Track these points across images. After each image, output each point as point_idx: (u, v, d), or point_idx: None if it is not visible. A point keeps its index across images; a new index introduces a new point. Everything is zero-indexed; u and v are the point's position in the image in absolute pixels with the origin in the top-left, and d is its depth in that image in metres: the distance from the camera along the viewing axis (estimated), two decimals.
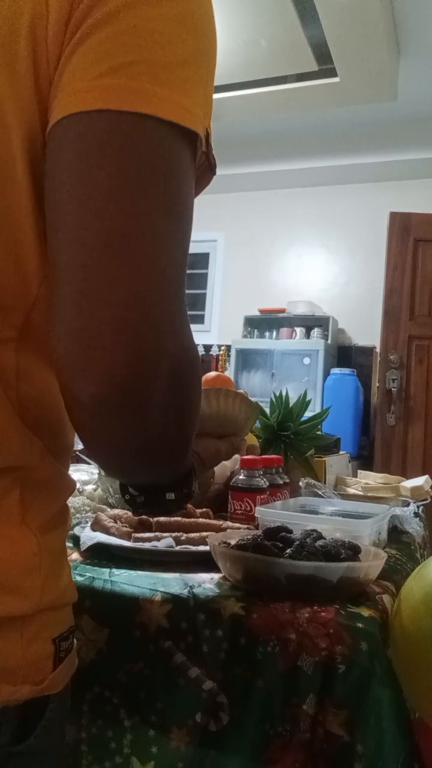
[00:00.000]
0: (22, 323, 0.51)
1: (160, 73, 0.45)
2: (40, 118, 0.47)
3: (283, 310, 4.53)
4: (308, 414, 1.45)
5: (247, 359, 4.43)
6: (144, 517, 0.98)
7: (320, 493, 1.21)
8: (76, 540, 0.95)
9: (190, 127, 0.47)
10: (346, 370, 4.20)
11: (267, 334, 4.54)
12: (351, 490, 1.44)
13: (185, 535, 0.93)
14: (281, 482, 1.15)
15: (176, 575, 0.81)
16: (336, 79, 3.46)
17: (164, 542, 0.90)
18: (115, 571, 0.82)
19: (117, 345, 0.44)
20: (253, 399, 1.52)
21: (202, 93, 0.49)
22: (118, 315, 0.43)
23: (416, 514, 1.22)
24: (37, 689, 0.51)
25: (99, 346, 0.44)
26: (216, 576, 0.82)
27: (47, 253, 0.48)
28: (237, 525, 0.98)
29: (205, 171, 0.54)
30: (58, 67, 0.46)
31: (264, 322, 4.58)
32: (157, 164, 0.45)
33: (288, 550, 0.78)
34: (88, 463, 1.37)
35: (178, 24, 0.47)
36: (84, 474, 1.33)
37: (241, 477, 1.08)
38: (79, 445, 0.62)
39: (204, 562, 0.84)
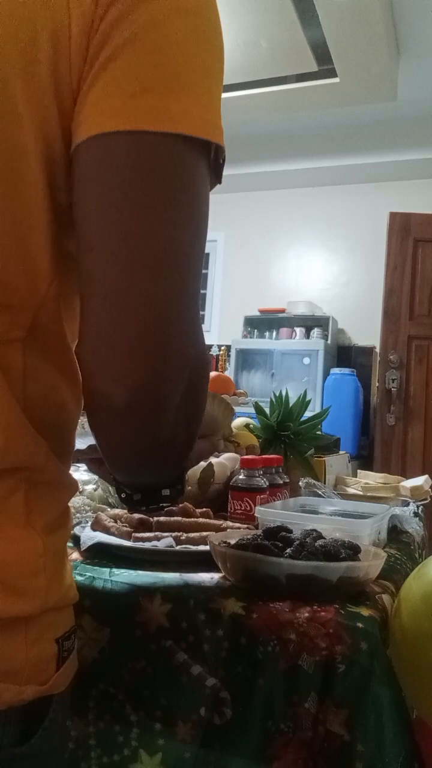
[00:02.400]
0: (29, 323, 0.51)
1: (186, 90, 0.48)
2: (61, 123, 0.48)
3: (283, 310, 4.53)
4: (308, 414, 1.45)
5: (247, 359, 4.44)
6: (144, 516, 0.98)
7: (320, 492, 1.21)
8: (76, 540, 0.95)
9: (216, 141, 0.50)
10: (346, 370, 4.20)
11: (267, 334, 4.54)
12: (351, 490, 1.44)
13: (185, 535, 0.93)
14: (281, 482, 1.15)
15: (176, 575, 0.81)
16: (336, 80, 3.46)
17: (164, 542, 0.90)
18: (115, 570, 0.82)
19: (149, 355, 0.48)
20: (253, 399, 1.53)
21: (219, 102, 0.51)
22: (151, 328, 0.47)
23: (416, 514, 1.23)
24: (42, 689, 0.51)
25: (130, 355, 0.47)
26: (216, 576, 0.82)
27: (60, 257, 0.50)
28: (237, 525, 0.98)
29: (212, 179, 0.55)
30: (84, 81, 0.47)
31: (264, 322, 4.58)
32: (187, 183, 0.49)
33: (288, 550, 0.78)
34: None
35: (198, 39, 0.49)
36: (84, 474, 1.33)
37: (241, 477, 1.08)
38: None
39: (204, 562, 0.84)
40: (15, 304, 0.50)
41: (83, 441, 0.68)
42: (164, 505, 0.63)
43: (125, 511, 1.03)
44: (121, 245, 0.47)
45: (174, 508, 1.03)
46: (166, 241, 0.47)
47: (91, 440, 0.64)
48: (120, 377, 0.48)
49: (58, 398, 0.54)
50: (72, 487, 0.58)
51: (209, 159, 0.51)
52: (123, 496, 0.63)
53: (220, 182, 0.53)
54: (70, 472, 0.60)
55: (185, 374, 0.50)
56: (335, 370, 4.22)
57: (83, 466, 1.38)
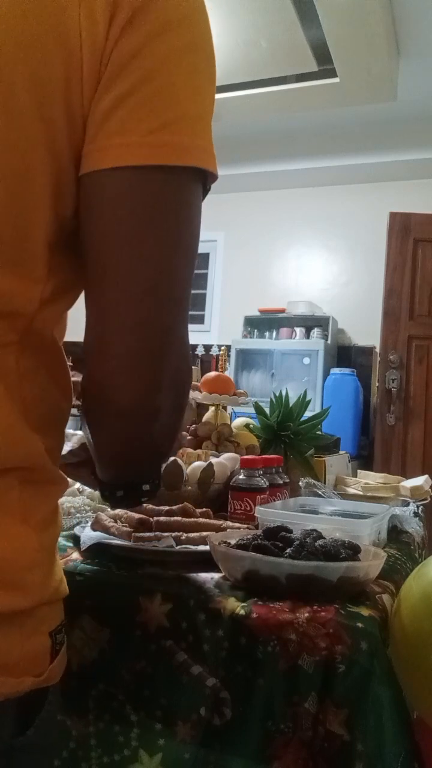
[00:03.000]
0: (24, 328, 0.53)
1: (195, 125, 0.53)
2: (69, 140, 0.51)
3: (283, 310, 4.53)
4: (308, 414, 1.45)
5: (247, 359, 4.43)
6: (144, 516, 0.98)
7: (320, 492, 1.21)
8: (76, 540, 0.95)
9: (214, 170, 0.55)
10: (346, 370, 4.20)
11: (267, 334, 4.54)
12: (351, 490, 1.44)
13: (185, 535, 0.93)
14: (281, 482, 1.15)
15: (176, 575, 0.81)
16: (336, 80, 3.46)
17: (164, 542, 0.90)
18: (115, 570, 0.83)
19: (149, 366, 0.54)
20: (253, 399, 1.53)
21: (211, 128, 0.56)
22: (151, 344, 0.54)
23: (416, 514, 1.23)
24: (38, 681, 0.53)
25: (136, 367, 0.54)
26: (216, 576, 0.82)
27: (57, 266, 0.54)
28: (237, 525, 0.98)
29: None
30: (96, 103, 0.50)
31: (264, 322, 4.58)
32: (191, 214, 0.55)
33: (288, 550, 0.78)
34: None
35: (201, 75, 0.54)
36: None
37: (241, 477, 1.08)
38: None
39: (204, 562, 0.84)
40: (12, 310, 0.52)
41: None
42: (144, 499, 0.67)
43: (125, 511, 1.03)
44: (133, 275, 0.52)
45: (174, 508, 1.03)
46: (170, 272, 0.54)
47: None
48: (125, 386, 0.54)
49: (51, 399, 0.57)
50: (63, 484, 0.60)
51: (203, 186, 0.56)
52: (105, 493, 0.67)
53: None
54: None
55: (176, 382, 0.57)
56: (335, 370, 4.22)
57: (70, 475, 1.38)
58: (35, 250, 0.52)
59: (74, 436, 0.71)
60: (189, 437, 1.40)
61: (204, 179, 0.55)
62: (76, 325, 0.61)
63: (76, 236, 0.54)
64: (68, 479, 0.62)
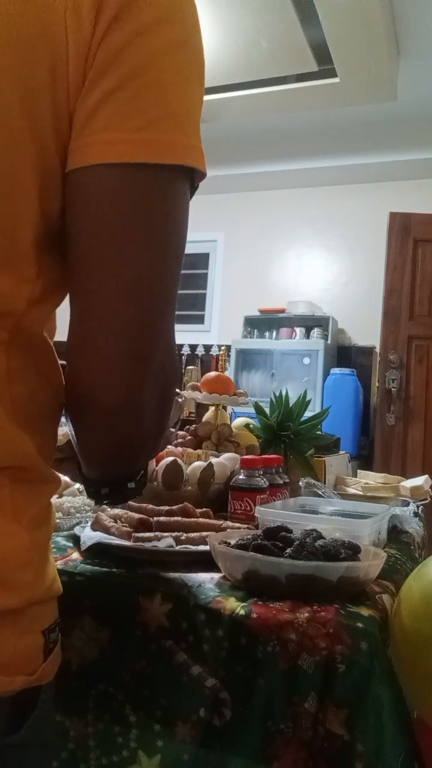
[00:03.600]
0: (13, 327, 0.53)
1: (182, 123, 0.52)
2: (55, 138, 0.50)
3: (283, 310, 4.53)
4: (308, 414, 1.45)
5: (247, 359, 4.43)
6: (144, 516, 0.98)
7: (320, 492, 1.21)
8: (76, 540, 0.95)
9: (202, 168, 0.54)
10: (346, 370, 4.20)
11: (267, 334, 4.54)
12: (351, 490, 1.44)
13: (185, 535, 0.93)
14: (281, 482, 1.15)
15: (176, 575, 0.81)
16: (336, 80, 3.46)
17: (164, 542, 0.90)
18: (115, 570, 0.83)
19: (133, 365, 0.54)
20: (253, 399, 1.53)
21: (199, 125, 0.55)
22: (136, 343, 0.54)
23: (416, 514, 1.23)
24: (30, 680, 0.53)
25: (120, 367, 0.54)
26: (216, 576, 0.82)
27: (45, 266, 0.54)
28: (237, 525, 0.99)
29: None
30: (83, 101, 0.50)
31: (264, 322, 4.58)
32: (178, 213, 0.54)
33: (288, 550, 0.78)
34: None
35: (188, 72, 0.53)
36: None
37: (241, 477, 1.08)
38: None
39: (204, 562, 0.84)
40: (1, 310, 0.52)
41: None
42: (129, 497, 0.68)
43: (125, 511, 1.03)
44: (117, 274, 0.52)
45: (174, 508, 1.03)
46: (155, 270, 0.53)
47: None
48: (109, 385, 0.54)
49: (41, 398, 0.57)
50: (55, 483, 0.60)
51: (191, 184, 0.55)
52: (91, 490, 0.68)
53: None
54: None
55: (162, 381, 0.57)
56: (335, 370, 4.22)
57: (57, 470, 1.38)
58: (23, 249, 0.52)
59: (60, 432, 0.71)
60: (179, 438, 1.41)
61: (192, 177, 0.55)
62: (63, 324, 0.61)
63: (63, 235, 0.54)
64: (61, 478, 0.62)
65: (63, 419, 0.62)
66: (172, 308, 0.56)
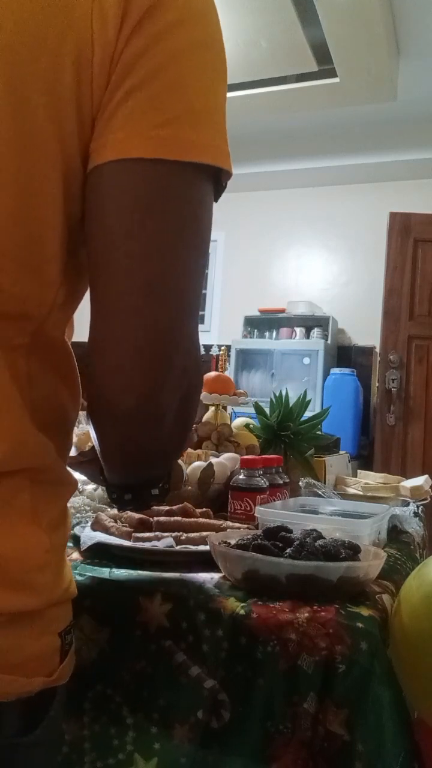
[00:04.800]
0: (34, 330, 0.53)
1: (202, 121, 0.52)
2: (79, 140, 0.51)
3: (283, 310, 4.53)
4: (308, 414, 1.45)
5: (247, 359, 4.43)
6: (144, 516, 0.98)
7: (320, 492, 1.21)
8: (76, 540, 0.95)
9: (225, 167, 0.54)
10: (346, 370, 4.20)
11: (267, 334, 4.54)
12: (351, 490, 1.44)
13: (185, 535, 0.93)
14: (281, 482, 1.15)
15: (176, 575, 0.81)
16: (336, 80, 3.46)
17: (164, 542, 0.90)
18: (115, 570, 0.82)
19: (153, 366, 0.53)
20: (253, 399, 1.53)
21: (225, 126, 0.55)
22: (156, 343, 0.52)
23: (416, 514, 1.23)
24: (48, 681, 0.53)
25: (139, 367, 0.52)
26: (216, 576, 0.82)
27: (69, 269, 0.54)
28: (237, 525, 0.98)
29: None
30: (106, 103, 0.50)
31: (264, 322, 4.58)
32: (198, 210, 0.53)
33: (288, 550, 0.78)
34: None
35: (212, 71, 0.54)
36: None
37: (241, 477, 1.08)
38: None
39: (204, 562, 0.84)
40: (24, 313, 0.52)
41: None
42: (152, 503, 0.67)
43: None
44: (136, 270, 0.51)
45: (174, 508, 1.03)
46: (175, 267, 0.52)
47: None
48: (126, 387, 0.52)
49: (59, 401, 0.57)
50: (72, 485, 0.60)
51: (214, 183, 0.55)
52: (114, 496, 0.67)
53: (216, 201, 0.57)
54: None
55: (184, 385, 0.55)
56: (335, 370, 4.22)
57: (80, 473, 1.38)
58: (49, 253, 0.52)
59: (81, 432, 0.71)
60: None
61: (214, 176, 0.54)
62: (82, 326, 0.60)
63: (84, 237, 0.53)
64: (78, 481, 0.62)
65: (83, 419, 0.62)
66: (195, 308, 0.55)
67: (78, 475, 1.29)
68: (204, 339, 4.88)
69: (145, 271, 0.51)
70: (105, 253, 0.51)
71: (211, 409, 1.52)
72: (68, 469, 0.60)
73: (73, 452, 0.73)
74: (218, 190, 0.56)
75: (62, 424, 0.58)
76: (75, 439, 0.92)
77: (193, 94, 0.51)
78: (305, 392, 1.51)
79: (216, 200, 0.57)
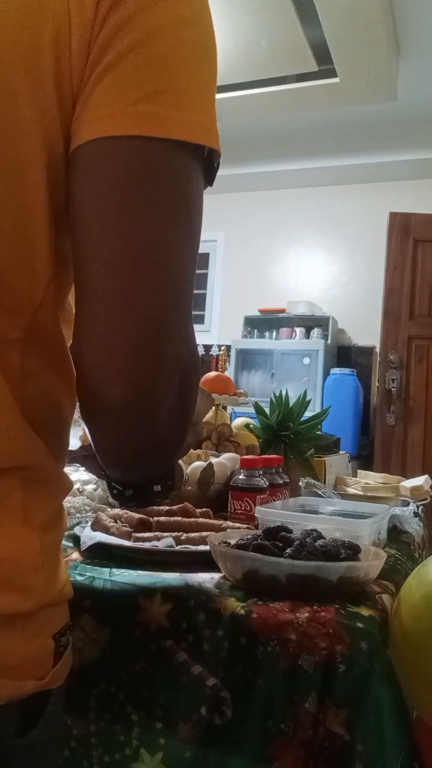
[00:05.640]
0: (27, 324, 0.52)
1: (184, 99, 0.49)
2: (62, 126, 0.49)
3: (283, 310, 4.53)
4: (308, 414, 1.45)
5: (247, 359, 4.44)
6: (144, 516, 0.98)
7: (320, 492, 1.21)
8: (76, 540, 0.95)
9: (211, 145, 0.51)
10: (346, 370, 4.21)
11: (267, 334, 4.55)
12: (351, 490, 1.44)
13: (185, 535, 0.93)
14: (281, 482, 1.15)
15: (176, 575, 0.81)
16: (336, 80, 3.46)
17: (164, 542, 0.90)
18: (115, 570, 0.83)
19: (142, 356, 0.49)
20: (253, 399, 1.53)
21: (214, 107, 0.52)
22: (144, 331, 0.49)
23: (416, 514, 1.23)
24: (40, 684, 0.52)
25: (127, 357, 0.49)
26: (216, 576, 0.82)
27: (58, 259, 0.51)
28: (237, 525, 0.99)
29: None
30: (85, 84, 0.48)
31: (264, 322, 4.58)
32: (183, 189, 0.50)
33: (288, 550, 0.78)
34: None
35: (195, 47, 0.51)
36: (84, 474, 1.33)
37: (241, 477, 1.08)
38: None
39: (204, 562, 0.84)
40: (15, 306, 0.51)
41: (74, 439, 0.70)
42: (155, 500, 0.65)
43: (125, 511, 1.03)
44: (118, 252, 0.48)
45: (174, 507, 1.03)
46: (161, 249, 0.49)
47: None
48: (116, 379, 0.49)
49: (54, 398, 0.55)
50: (67, 485, 0.58)
51: (203, 164, 0.52)
52: (115, 492, 0.64)
53: (210, 185, 0.54)
54: (70, 471, 0.60)
55: (178, 376, 0.52)
56: (335, 370, 4.22)
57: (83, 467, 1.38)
58: (37, 243, 0.50)
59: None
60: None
61: (202, 156, 0.51)
62: None
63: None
64: (72, 481, 0.61)
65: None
66: (186, 292, 0.51)
67: (78, 475, 1.30)
68: (204, 339, 4.89)
69: (130, 253, 0.48)
70: (87, 237, 0.49)
71: (212, 409, 1.52)
72: (64, 468, 0.59)
73: (75, 446, 0.72)
74: (210, 172, 0.53)
75: (57, 421, 0.56)
76: (80, 432, 0.91)
77: (175, 70, 0.49)
78: (305, 392, 1.51)
79: (210, 183, 0.54)
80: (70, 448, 0.63)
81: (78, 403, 0.56)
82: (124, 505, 0.70)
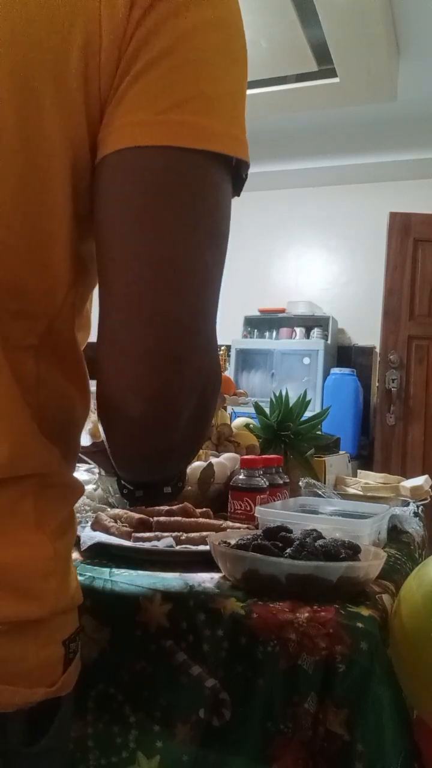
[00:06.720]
0: (43, 331, 0.51)
1: (214, 106, 0.48)
2: (88, 132, 0.48)
3: (283, 310, 4.53)
4: (308, 414, 1.45)
5: (247, 359, 4.44)
6: (144, 516, 0.98)
7: (320, 492, 1.21)
8: (76, 540, 0.95)
9: (240, 156, 0.50)
10: (346, 370, 4.20)
11: (267, 334, 4.54)
12: (351, 490, 1.44)
13: (185, 535, 0.93)
14: (281, 482, 1.15)
15: (176, 575, 0.81)
16: (336, 80, 3.46)
17: (164, 542, 0.90)
18: (115, 570, 0.83)
19: (164, 366, 0.48)
20: (253, 399, 1.53)
21: (244, 116, 0.51)
22: (166, 341, 0.48)
23: (416, 514, 1.23)
24: (50, 691, 0.51)
25: (148, 367, 0.48)
26: (216, 576, 0.82)
27: (79, 265, 0.51)
28: (237, 525, 0.99)
29: None
30: (114, 90, 0.47)
31: (264, 322, 4.58)
32: (210, 200, 0.49)
33: (288, 550, 0.78)
34: (88, 463, 1.37)
35: (225, 54, 0.50)
36: (84, 474, 1.33)
37: (241, 477, 1.08)
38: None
39: (204, 562, 0.84)
40: (33, 312, 0.50)
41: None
42: (164, 501, 0.63)
43: (125, 511, 1.03)
44: (142, 260, 0.47)
45: (174, 507, 1.03)
46: (186, 258, 0.48)
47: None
48: (135, 388, 0.49)
49: (67, 404, 0.55)
50: (78, 489, 0.58)
51: (232, 174, 0.51)
52: (125, 491, 0.64)
53: (238, 195, 0.54)
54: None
55: (199, 386, 0.51)
56: (335, 370, 4.22)
57: (83, 467, 1.38)
58: (58, 250, 0.50)
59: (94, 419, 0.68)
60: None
61: (230, 166, 0.50)
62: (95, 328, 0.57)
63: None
64: (84, 485, 0.60)
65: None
66: (212, 302, 0.51)
67: (78, 475, 1.29)
68: None
69: (153, 260, 0.47)
70: (111, 243, 0.48)
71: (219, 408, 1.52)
72: (74, 472, 0.59)
73: (86, 441, 0.71)
74: (238, 182, 0.52)
75: (70, 428, 0.56)
76: (90, 425, 0.91)
77: (205, 77, 0.48)
78: (305, 392, 1.51)
79: (237, 194, 0.53)
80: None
81: (97, 410, 0.55)
82: (134, 504, 0.70)
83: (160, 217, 0.47)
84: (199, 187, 0.48)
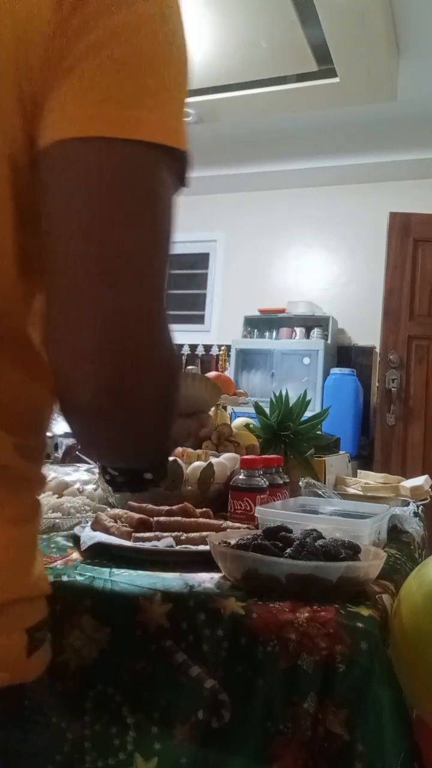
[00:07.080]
0: (1, 327, 0.52)
1: (147, 99, 0.48)
2: (24, 130, 0.48)
3: (283, 310, 4.53)
4: (308, 414, 1.45)
5: (247, 359, 4.44)
6: (144, 516, 0.98)
7: (320, 492, 1.21)
8: (76, 540, 0.95)
9: (177, 146, 0.50)
10: (346, 370, 4.21)
11: (267, 334, 4.55)
12: (351, 490, 1.44)
13: (185, 535, 0.93)
14: (281, 482, 1.15)
15: (176, 575, 0.81)
16: (336, 80, 3.46)
17: (164, 542, 0.90)
18: (115, 570, 0.83)
19: (107, 359, 0.48)
20: (253, 399, 1.53)
21: (181, 108, 0.52)
22: (108, 333, 0.48)
23: (416, 514, 1.23)
24: (11, 677, 0.52)
25: (92, 360, 0.48)
26: (216, 576, 0.82)
27: (26, 261, 0.51)
28: (237, 525, 0.99)
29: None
30: (48, 85, 0.47)
31: (264, 322, 4.58)
32: (147, 188, 0.49)
33: (288, 550, 0.78)
34: (89, 463, 1.37)
35: (161, 47, 0.50)
36: (84, 474, 1.33)
37: (241, 477, 1.08)
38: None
39: (204, 562, 0.84)
40: None
41: None
42: (148, 487, 0.65)
43: (125, 511, 1.03)
44: (80, 253, 0.47)
45: (174, 508, 1.03)
46: (124, 249, 0.48)
47: None
48: (80, 381, 0.49)
49: (28, 400, 0.55)
50: (40, 481, 0.59)
51: (177, 165, 0.51)
52: (107, 477, 0.65)
53: (185, 186, 0.54)
54: (70, 471, 0.60)
55: (148, 374, 0.51)
56: (335, 370, 4.22)
57: (83, 466, 1.39)
58: (4, 251, 0.50)
59: None
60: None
61: (167, 154, 0.50)
62: None
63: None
64: (45, 477, 0.61)
65: None
66: (157, 291, 0.50)
67: (78, 475, 1.29)
68: (204, 339, 4.90)
69: (92, 253, 0.47)
70: (53, 237, 0.48)
71: (218, 400, 1.52)
72: (42, 467, 0.59)
73: None
74: (182, 173, 0.52)
75: (31, 422, 0.56)
76: None
77: (137, 70, 0.48)
78: (305, 392, 1.51)
79: (184, 184, 0.53)
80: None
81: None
82: (118, 491, 0.70)
83: (96, 209, 0.47)
84: (134, 177, 0.48)
